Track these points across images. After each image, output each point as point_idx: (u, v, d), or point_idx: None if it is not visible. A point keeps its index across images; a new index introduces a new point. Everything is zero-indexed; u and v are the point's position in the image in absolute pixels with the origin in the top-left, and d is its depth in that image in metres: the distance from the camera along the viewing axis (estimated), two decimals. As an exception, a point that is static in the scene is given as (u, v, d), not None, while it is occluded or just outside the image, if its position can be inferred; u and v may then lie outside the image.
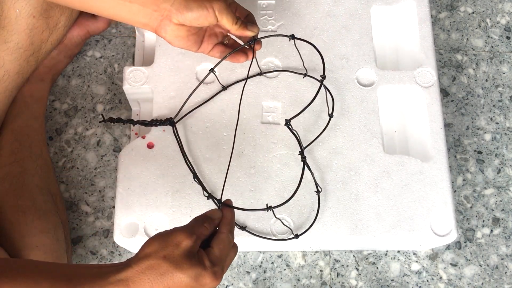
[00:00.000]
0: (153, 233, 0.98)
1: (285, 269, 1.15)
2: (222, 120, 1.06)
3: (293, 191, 0.99)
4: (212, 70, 1.03)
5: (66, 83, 1.27)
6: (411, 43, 1.14)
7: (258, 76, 1.08)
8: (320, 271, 1.15)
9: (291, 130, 0.95)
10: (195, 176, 0.93)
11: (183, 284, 0.71)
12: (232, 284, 1.14)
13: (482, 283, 1.16)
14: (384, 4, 1.14)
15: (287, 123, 0.95)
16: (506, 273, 1.17)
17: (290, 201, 0.96)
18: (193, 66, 1.07)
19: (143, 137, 1.03)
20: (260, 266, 1.15)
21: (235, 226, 0.91)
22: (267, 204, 0.92)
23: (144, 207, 0.99)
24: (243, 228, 0.99)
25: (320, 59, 1.01)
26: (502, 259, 1.18)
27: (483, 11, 1.39)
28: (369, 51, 1.11)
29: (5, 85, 1.10)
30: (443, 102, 1.29)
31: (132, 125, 0.99)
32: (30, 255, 1.00)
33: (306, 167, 0.97)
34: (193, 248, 0.74)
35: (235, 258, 1.14)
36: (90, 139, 1.23)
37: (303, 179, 0.98)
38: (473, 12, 1.39)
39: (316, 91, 0.98)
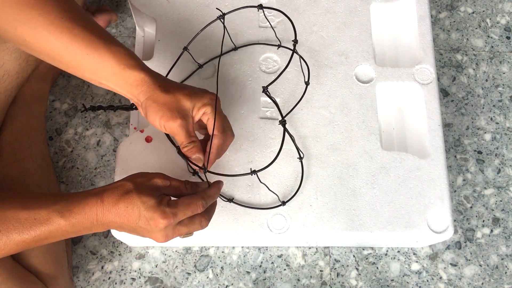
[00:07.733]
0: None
1: (285, 269, 1.15)
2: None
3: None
4: (185, 48, 1.04)
5: (66, 83, 1.27)
6: (410, 40, 1.15)
7: (258, 72, 1.08)
8: (320, 271, 1.15)
9: (269, 96, 0.94)
10: (179, 151, 0.92)
11: (135, 207, 0.80)
12: (232, 284, 1.13)
13: (482, 283, 1.16)
14: (383, 1, 1.15)
15: (265, 89, 0.94)
16: (506, 273, 1.17)
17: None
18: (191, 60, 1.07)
19: (142, 131, 1.03)
20: (260, 266, 1.15)
21: (223, 199, 0.99)
22: (251, 169, 0.92)
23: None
24: (230, 200, 0.99)
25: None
26: (502, 259, 1.18)
27: (483, 11, 1.40)
28: (368, 47, 1.11)
29: (5, 85, 1.10)
30: (443, 102, 1.29)
31: (113, 111, 0.99)
32: (30, 255, 1.00)
33: (286, 134, 0.97)
34: (161, 188, 0.83)
35: (235, 258, 1.15)
36: (90, 139, 1.23)
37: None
38: (473, 12, 1.39)
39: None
